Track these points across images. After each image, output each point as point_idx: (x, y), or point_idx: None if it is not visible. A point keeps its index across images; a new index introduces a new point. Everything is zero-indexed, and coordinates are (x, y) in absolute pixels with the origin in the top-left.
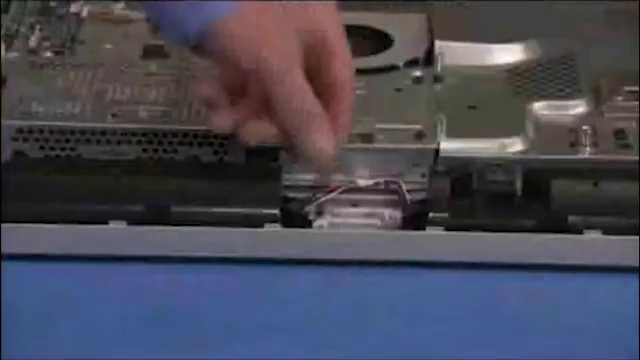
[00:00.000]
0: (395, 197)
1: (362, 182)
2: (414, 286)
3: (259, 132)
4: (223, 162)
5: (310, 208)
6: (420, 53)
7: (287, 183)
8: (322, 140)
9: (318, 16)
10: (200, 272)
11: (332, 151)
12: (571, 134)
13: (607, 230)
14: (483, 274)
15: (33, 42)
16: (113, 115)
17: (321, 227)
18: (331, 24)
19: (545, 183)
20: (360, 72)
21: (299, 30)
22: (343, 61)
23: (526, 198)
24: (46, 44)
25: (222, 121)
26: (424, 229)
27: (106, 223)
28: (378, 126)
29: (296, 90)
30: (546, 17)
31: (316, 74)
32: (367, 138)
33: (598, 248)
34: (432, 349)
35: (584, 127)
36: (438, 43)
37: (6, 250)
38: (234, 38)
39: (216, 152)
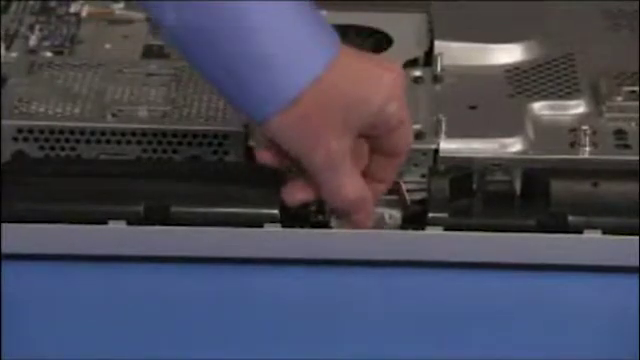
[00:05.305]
0: (395, 197)
1: None
2: (414, 286)
3: (300, 197)
4: (223, 162)
5: (310, 208)
6: (420, 53)
7: None
8: (363, 220)
9: (383, 106)
10: (200, 272)
11: (370, 224)
12: (571, 134)
13: (607, 230)
14: (483, 274)
15: (33, 42)
16: (113, 115)
17: (321, 227)
18: (398, 105)
19: (545, 183)
20: None
21: (363, 125)
22: (406, 132)
23: (526, 198)
24: (46, 44)
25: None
26: (424, 229)
27: (106, 223)
28: None
29: (340, 185)
30: (546, 17)
31: (376, 140)
32: None
33: (598, 248)
34: (432, 349)
35: (584, 127)
36: (438, 43)
37: (6, 250)
38: (285, 131)
39: (216, 152)
